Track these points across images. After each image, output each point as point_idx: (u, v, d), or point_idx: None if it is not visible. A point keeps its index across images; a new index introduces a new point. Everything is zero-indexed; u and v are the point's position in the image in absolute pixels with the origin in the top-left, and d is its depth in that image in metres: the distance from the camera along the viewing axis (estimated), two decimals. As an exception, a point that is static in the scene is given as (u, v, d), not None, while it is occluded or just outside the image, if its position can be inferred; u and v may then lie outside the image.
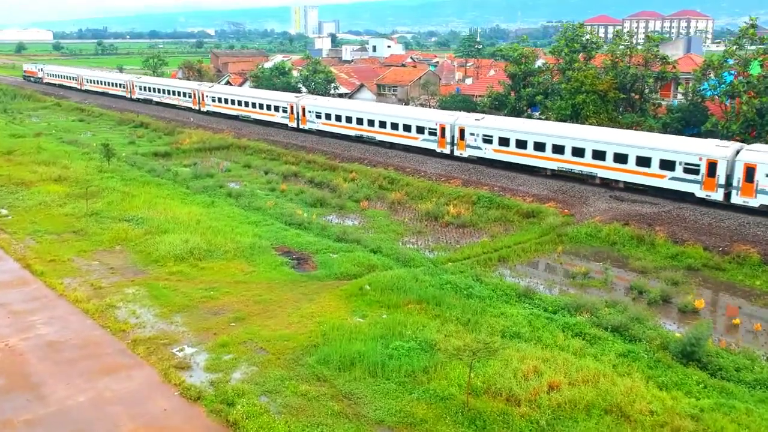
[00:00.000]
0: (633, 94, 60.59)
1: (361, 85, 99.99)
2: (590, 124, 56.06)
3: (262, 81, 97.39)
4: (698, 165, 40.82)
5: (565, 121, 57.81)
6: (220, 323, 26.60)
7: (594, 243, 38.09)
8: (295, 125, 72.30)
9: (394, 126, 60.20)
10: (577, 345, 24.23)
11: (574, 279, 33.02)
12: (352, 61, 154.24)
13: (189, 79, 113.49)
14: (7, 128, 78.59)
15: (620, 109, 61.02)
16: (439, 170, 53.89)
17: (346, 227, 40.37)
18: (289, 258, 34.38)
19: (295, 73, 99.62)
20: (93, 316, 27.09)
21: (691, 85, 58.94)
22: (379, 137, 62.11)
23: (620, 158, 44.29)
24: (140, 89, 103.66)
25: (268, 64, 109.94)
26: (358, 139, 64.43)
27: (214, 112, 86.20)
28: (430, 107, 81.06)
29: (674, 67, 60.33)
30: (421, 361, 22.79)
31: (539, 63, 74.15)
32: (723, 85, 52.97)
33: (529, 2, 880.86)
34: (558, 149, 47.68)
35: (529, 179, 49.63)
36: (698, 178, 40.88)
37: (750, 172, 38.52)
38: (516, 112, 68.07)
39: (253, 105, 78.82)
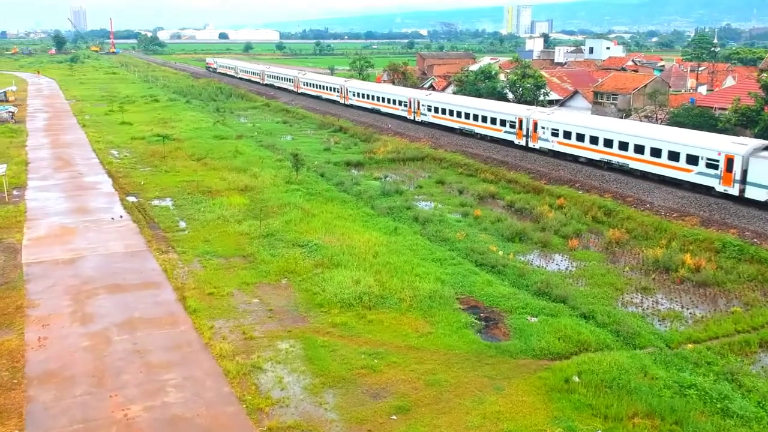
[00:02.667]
0: None
1: (575, 92, 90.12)
2: None
3: (465, 86, 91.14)
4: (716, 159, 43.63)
5: None
6: (379, 413, 20.63)
7: None
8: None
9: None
10: None
11: None
12: (565, 63, 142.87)
13: (393, 82, 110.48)
14: (213, 129, 79.74)
15: None
16: (670, 202, 44.11)
17: (549, 275, 32.74)
18: (476, 317, 27.68)
19: (502, 77, 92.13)
20: (232, 381, 22.41)
21: None
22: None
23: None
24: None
25: (473, 67, 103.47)
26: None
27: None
28: (657, 121, 69.87)
29: None
30: None
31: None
32: None
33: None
34: (608, 143, 51.90)
35: (795, 223, 38.50)
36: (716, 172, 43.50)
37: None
38: (770, 131, 55.38)
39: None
